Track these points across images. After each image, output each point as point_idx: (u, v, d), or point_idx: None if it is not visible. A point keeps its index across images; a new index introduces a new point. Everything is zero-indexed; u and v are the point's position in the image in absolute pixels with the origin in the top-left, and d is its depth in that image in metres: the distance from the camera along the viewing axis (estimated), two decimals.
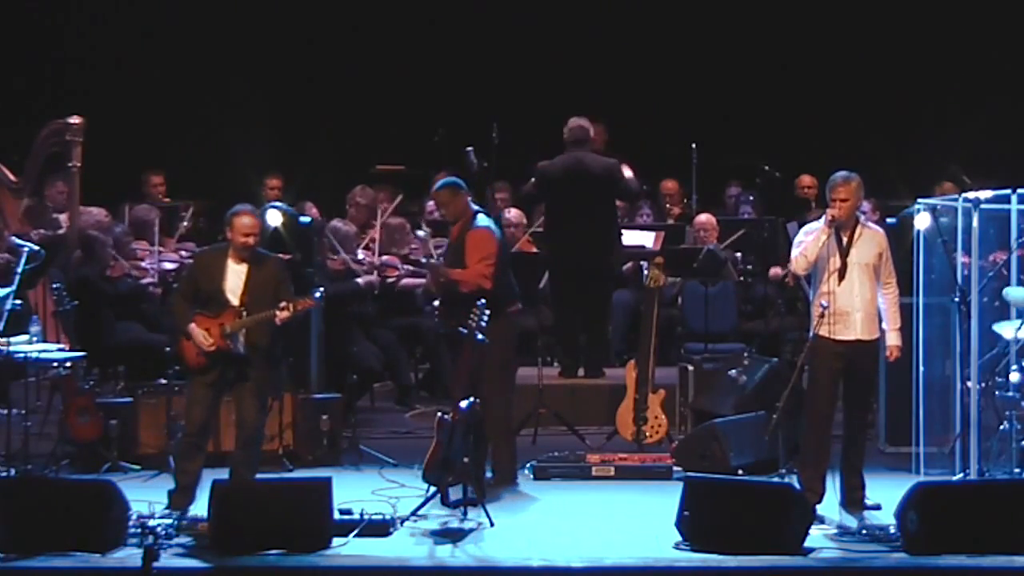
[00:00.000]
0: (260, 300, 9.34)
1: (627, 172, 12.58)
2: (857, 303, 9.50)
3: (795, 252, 9.62)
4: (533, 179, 12.65)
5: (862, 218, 9.71)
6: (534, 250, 13.22)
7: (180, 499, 9.44)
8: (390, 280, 13.00)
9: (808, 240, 9.53)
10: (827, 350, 9.51)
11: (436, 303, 10.63)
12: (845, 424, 9.75)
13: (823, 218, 9.58)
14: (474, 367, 9.75)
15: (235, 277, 9.41)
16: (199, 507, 9.21)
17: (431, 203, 13.91)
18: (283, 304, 9.25)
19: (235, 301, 9.37)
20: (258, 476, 9.87)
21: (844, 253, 9.48)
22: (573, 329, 12.63)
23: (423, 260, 10.88)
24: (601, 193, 12.32)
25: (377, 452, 11.04)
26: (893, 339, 9.65)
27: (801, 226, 10.11)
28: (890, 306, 9.63)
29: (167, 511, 9.31)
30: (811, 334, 9.55)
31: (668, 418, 11.36)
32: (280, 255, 11.78)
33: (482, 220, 10.39)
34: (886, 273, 9.62)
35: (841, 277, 9.48)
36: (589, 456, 10.84)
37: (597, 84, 15.07)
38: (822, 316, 9.47)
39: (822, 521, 9.36)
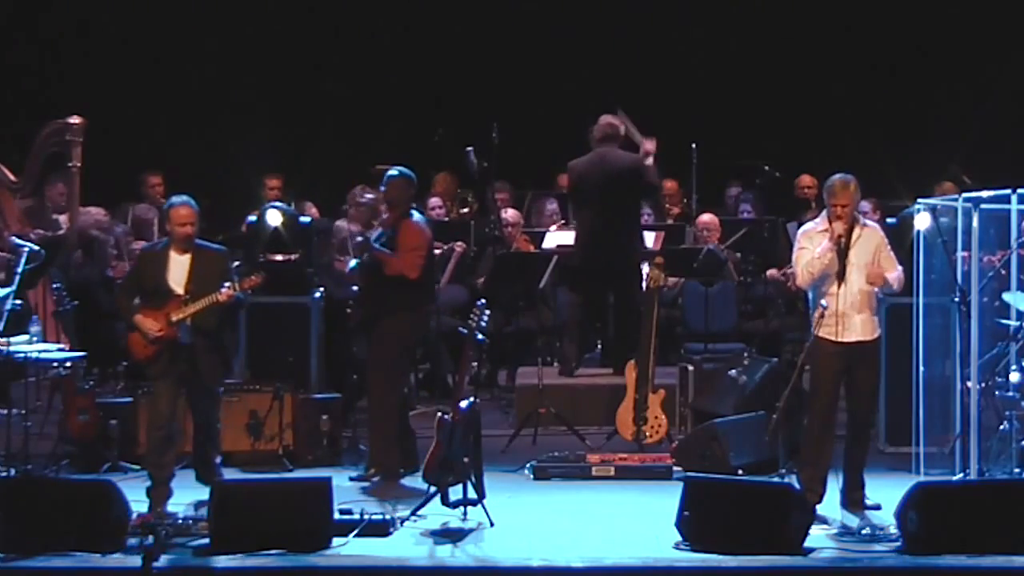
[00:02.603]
0: (205, 290, 9.51)
1: (648, 160, 12.49)
2: (857, 304, 9.49)
3: (798, 268, 9.58)
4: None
5: (860, 218, 9.69)
6: (532, 249, 13.23)
7: (159, 494, 9.52)
8: None
9: (813, 255, 9.46)
10: (828, 351, 9.50)
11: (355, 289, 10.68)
12: (848, 425, 9.75)
13: (819, 218, 9.56)
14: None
15: (178, 268, 9.60)
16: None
17: (434, 200, 13.93)
18: (227, 284, 9.46)
19: (180, 291, 9.54)
20: (258, 476, 9.89)
21: (843, 255, 9.47)
22: (590, 324, 12.68)
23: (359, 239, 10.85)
24: (626, 188, 12.33)
25: None
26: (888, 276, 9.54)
27: (801, 226, 10.07)
28: (892, 274, 9.56)
29: (149, 511, 9.36)
30: (811, 335, 9.54)
31: (668, 418, 11.35)
32: (279, 255, 11.84)
33: (417, 215, 10.53)
34: (889, 264, 9.57)
35: (840, 278, 9.47)
36: (589, 456, 10.84)
37: (597, 84, 15.06)
38: (821, 317, 9.47)
39: (822, 521, 9.36)
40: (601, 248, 12.23)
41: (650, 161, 12.33)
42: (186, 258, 9.59)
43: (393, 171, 10.58)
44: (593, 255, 12.29)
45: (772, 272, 13.10)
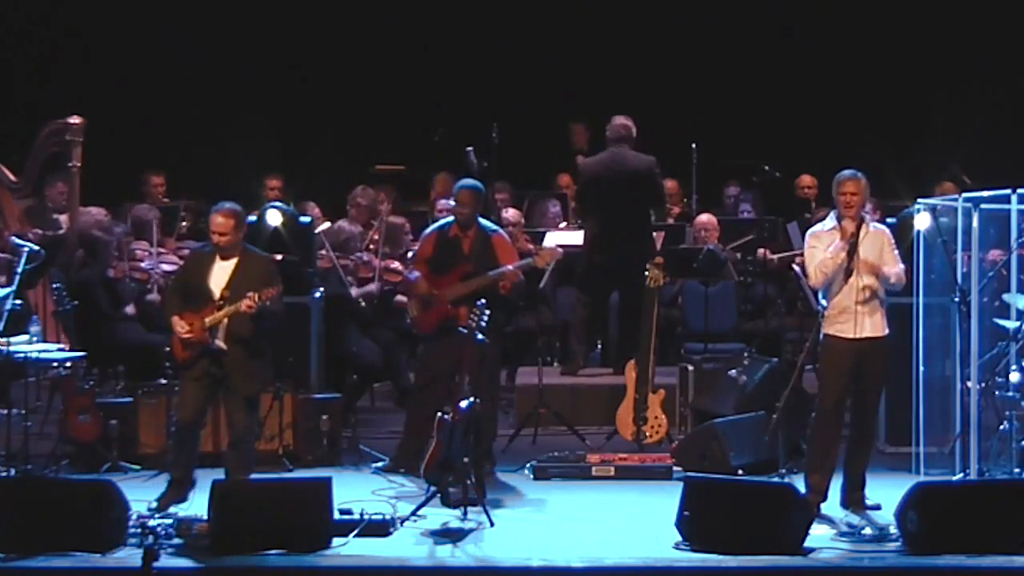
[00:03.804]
0: (243, 296, 9.33)
1: None
2: (866, 301, 9.48)
3: (811, 267, 9.58)
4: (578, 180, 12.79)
5: (867, 218, 9.70)
6: (532, 249, 13.20)
7: (174, 492, 9.50)
8: (390, 286, 12.90)
9: (826, 256, 9.46)
10: (837, 348, 9.51)
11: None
12: (852, 424, 9.75)
13: (828, 219, 9.57)
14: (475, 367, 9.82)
15: (221, 273, 9.47)
16: (199, 507, 9.20)
17: (442, 202, 13.92)
18: (249, 294, 9.27)
19: (218, 295, 9.42)
20: (258, 476, 9.89)
21: (852, 252, 9.47)
22: (597, 323, 12.71)
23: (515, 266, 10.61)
24: (639, 189, 12.41)
25: (377, 452, 11.05)
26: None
27: (802, 227, 10.08)
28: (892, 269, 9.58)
29: (156, 504, 9.36)
30: (820, 335, 9.54)
31: (668, 418, 11.35)
32: (279, 255, 11.83)
33: (493, 226, 10.69)
34: (891, 260, 9.58)
35: (848, 275, 9.47)
36: (589, 456, 10.84)
37: (597, 84, 15.08)
38: (823, 316, 9.49)
39: (823, 521, 9.36)
40: (610, 248, 12.29)
41: None
42: (231, 263, 9.47)
43: (467, 183, 10.70)
44: (602, 254, 12.34)
45: (763, 252, 13.14)
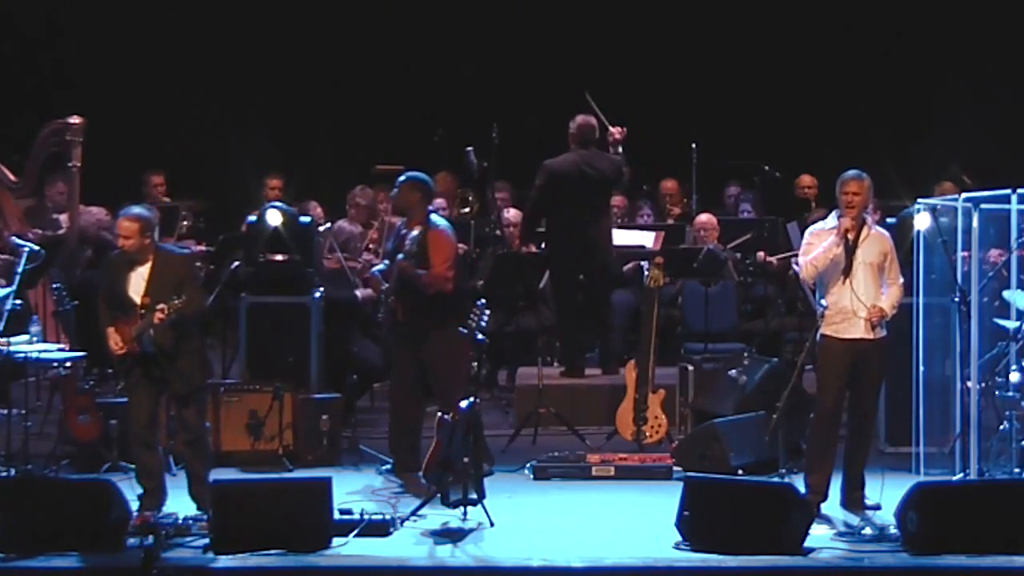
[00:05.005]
0: (163, 300, 9.22)
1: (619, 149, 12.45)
2: (862, 302, 9.48)
3: (803, 260, 9.59)
4: (538, 179, 12.44)
5: (869, 220, 9.71)
6: (533, 250, 13.20)
7: (150, 501, 9.44)
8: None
9: (819, 250, 9.48)
10: (833, 349, 9.52)
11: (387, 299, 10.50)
12: (850, 424, 9.75)
13: (829, 217, 9.58)
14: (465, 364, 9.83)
15: (138, 280, 9.38)
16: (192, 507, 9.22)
17: (439, 200, 13.94)
18: (159, 306, 9.17)
19: (138, 302, 9.33)
20: (258, 476, 9.90)
21: (850, 252, 9.47)
22: (579, 328, 12.65)
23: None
24: (608, 192, 12.36)
25: (377, 452, 11.05)
26: (883, 304, 9.54)
27: (802, 227, 10.08)
28: (892, 292, 9.57)
29: (138, 513, 9.26)
30: (818, 335, 9.54)
31: (668, 418, 11.35)
32: (279, 255, 11.84)
33: (440, 220, 10.36)
34: (893, 274, 9.60)
35: (846, 276, 9.48)
36: (589, 456, 10.84)
37: (597, 84, 15.04)
38: (822, 316, 9.50)
39: (823, 521, 9.37)
40: (581, 249, 12.19)
41: (620, 150, 12.34)
42: (145, 268, 9.37)
43: (402, 176, 10.47)
44: (572, 255, 12.25)
45: (761, 254, 13.12)
